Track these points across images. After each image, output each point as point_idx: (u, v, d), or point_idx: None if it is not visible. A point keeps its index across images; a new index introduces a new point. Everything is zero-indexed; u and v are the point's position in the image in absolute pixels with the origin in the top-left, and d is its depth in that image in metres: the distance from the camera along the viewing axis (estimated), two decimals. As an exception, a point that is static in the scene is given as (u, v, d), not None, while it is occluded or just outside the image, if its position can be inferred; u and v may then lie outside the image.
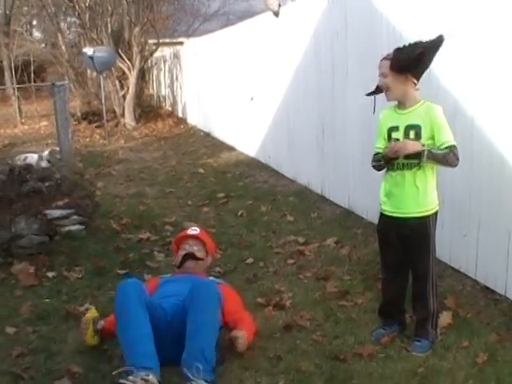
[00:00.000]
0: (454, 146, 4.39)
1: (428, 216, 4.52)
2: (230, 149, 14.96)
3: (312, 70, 9.49)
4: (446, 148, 4.37)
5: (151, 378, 3.90)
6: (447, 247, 6.04)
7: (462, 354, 4.49)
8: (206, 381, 3.88)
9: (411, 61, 4.36)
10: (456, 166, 4.47)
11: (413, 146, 4.35)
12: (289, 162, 11.14)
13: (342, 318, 5.20)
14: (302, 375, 4.30)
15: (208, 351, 4.07)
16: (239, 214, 8.75)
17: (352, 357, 4.51)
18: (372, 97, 4.79)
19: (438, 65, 5.68)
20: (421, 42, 4.40)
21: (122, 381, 3.83)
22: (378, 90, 4.71)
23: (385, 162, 4.61)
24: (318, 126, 9.48)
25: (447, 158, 4.37)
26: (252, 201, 9.49)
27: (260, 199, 9.56)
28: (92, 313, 4.72)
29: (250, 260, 6.74)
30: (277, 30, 11.03)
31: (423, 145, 4.36)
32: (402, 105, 4.55)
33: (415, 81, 4.47)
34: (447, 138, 4.39)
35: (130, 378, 3.85)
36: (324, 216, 8.45)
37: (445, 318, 4.94)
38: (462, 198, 5.78)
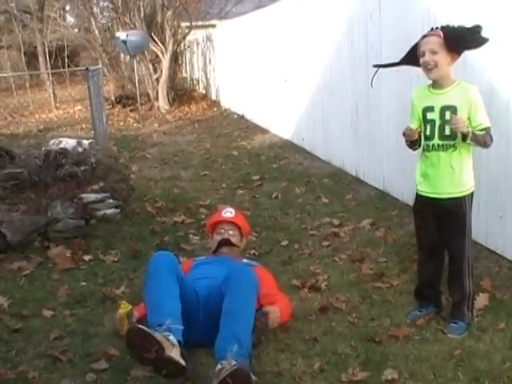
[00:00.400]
0: (489, 128, 4.38)
1: (463, 197, 4.49)
2: (264, 131, 14.94)
3: (345, 51, 9.43)
4: (482, 129, 4.34)
5: (172, 338, 3.90)
6: (483, 228, 5.98)
7: (498, 336, 4.46)
8: (233, 359, 3.82)
9: (467, 41, 4.37)
10: (489, 147, 4.47)
11: (462, 125, 4.31)
12: (323, 143, 11.10)
13: (378, 300, 5.19)
14: (337, 357, 4.30)
15: (244, 336, 4.05)
16: (274, 196, 8.74)
17: (388, 339, 4.50)
18: (391, 70, 4.79)
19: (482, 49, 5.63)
20: (475, 26, 4.35)
21: (139, 326, 3.86)
22: (390, 65, 4.70)
23: (410, 143, 4.66)
24: (352, 108, 9.43)
25: (485, 139, 4.36)
26: (286, 183, 9.48)
27: (294, 181, 9.54)
28: (125, 307, 4.70)
29: (285, 242, 6.74)
30: (310, 12, 10.97)
31: (467, 126, 4.34)
32: (437, 84, 4.50)
33: (456, 60, 4.47)
34: (484, 119, 4.37)
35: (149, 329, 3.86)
36: (359, 198, 8.42)
37: (481, 300, 4.90)
38: (498, 178, 5.72)
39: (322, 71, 10.66)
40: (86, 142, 8.88)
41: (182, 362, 3.87)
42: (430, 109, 4.50)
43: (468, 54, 5.52)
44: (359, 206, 8.04)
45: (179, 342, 3.96)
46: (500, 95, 5.56)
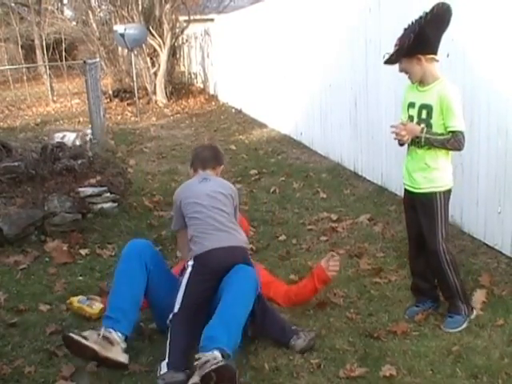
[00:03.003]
0: (459, 132, 4.34)
1: (435, 193, 4.49)
2: (262, 125, 14.92)
3: (344, 46, 9.41)
4: (449, 132, 4.34)
5: (113, 335, 4.07)
6: (482, 224, 5.98)
7: (497, 332, 4.46)
8: (219, 350, 3.81)
9: (413, 42, 4.29)
10: (460, 150, 4.46)
11: (411, 132, 4.40)
12: (321, 138, 11.09)
13: (376, 295, 5.18)
14: (335, 353, 4.29)
15: (234, 326, 4.03)
16: (272, 190, 8.73)
17: (386, 335, 4.49)
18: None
19: (474, 45, 5.63)
20: (419, 19, 4.33)
21: (70, 334, 4.03)
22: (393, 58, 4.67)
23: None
24: (350, 103, 9.42)
25: (446, 144, 4.36)
26: (284, 177, 9.46)
27: (292, 176, 9.53)
28: (73, 302, 5.04)
29: (283, 237, 6.72)
30: (308, 5, 10.94)
31: (423, 128, 4.37)
32: (421, 82, 4.52)
33: (431, 56, 4.41)
34: (453, 122, 4.35)
35: (85, 333, 4.04)
36: (357, 193, 8.40)
37: (479, 296, 4.91)
38: (497, 174, 5.72)
39: (321, 66, 10.64)
40: (88, 132, 8.89)
41: (121, 358, 4.05)
42: (412, 105, 4.56)
43: (467, 52, 5.54)
44: (357, 200, 8.03)
45: (125, 335, 4.16)
46: (499, 92, 5.55)
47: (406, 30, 4.41)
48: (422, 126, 4.39)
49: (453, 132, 4.33)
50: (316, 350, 4.32)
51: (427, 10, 4.30)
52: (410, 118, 4.55)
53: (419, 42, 4.30)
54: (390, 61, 4.49)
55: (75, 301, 5.04)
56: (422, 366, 4.08)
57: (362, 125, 9.08)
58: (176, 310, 4.15)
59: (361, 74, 8.84)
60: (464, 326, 4.52)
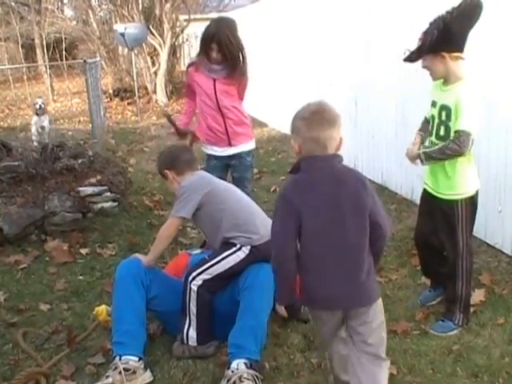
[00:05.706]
0: (463, 131, 4.10)
1: (457, 200, 4.36)
2: (262, 125, 14.92)
3: (344, 44, 9.40)
4: (454, 132, 4.17)
5: (131, 363, 4.01)
6: (482, 223, 5.96)
7: (497, 331, 4.46)
8: (248, 359, 3.90)
9: (437, 39, 4.16)
10: (461, 153, 4.16)
11: (409, 157, 4.49)
12: (321, 137, 11.05)
13: (376, 294, 5.17)
14: (336, 352, 4.28)
15: (260, 331, 4.07)
16: (272, 189, 8.73)
17: (386, 334, 4.47)
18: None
19: (475, 43, 5.61)
20: (444, 15, 4.18)
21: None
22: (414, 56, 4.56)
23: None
24: (350, 101, 9.40)
25: (446, 150, 4.18)
26: (285, 176, 9.43)
27: (293, 175, 9.48)
28: (103, 314, 4.76)
29: (283, 236, 6.70)
30: (308, 5, 10.94)
31: (419, 148, 4.40)
32: (445, 81, 4.37)
33: (457, 54, 4.25)
34: (461, 122, 4.13)
35: (109, 379, 3.93)
36: (357, 192, 8.36)
37: (479, 295, 4.91)
38: (498, 172, 5.71)
39: (321, 64, 10.63)
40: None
41: (147, 379, 4.06)
42: (434, 104, 4.43)
43: (467, 50, 5.50)
44: (357, 199, 7.98)
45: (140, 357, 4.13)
46: (503, 87, 5.54)
47: (431, 24, 4.23)
48: (450, 124, 4.23)
49: (456, 131, 4.14)
50: (316, 349, 4.32)
51: (454, 6, 4.16)
52: (432, 117, 4.42)
53: (443, 38, 4.16)
54: (409, 58, 4.34)
55: (104, 313, 4.75)
56: (423, 365, 4.08)
57: (362, 124, 9.07)
58: (208, 276, 4.28)
59: (361, 73, 8.83)
60: (452, 333, 4.47)
